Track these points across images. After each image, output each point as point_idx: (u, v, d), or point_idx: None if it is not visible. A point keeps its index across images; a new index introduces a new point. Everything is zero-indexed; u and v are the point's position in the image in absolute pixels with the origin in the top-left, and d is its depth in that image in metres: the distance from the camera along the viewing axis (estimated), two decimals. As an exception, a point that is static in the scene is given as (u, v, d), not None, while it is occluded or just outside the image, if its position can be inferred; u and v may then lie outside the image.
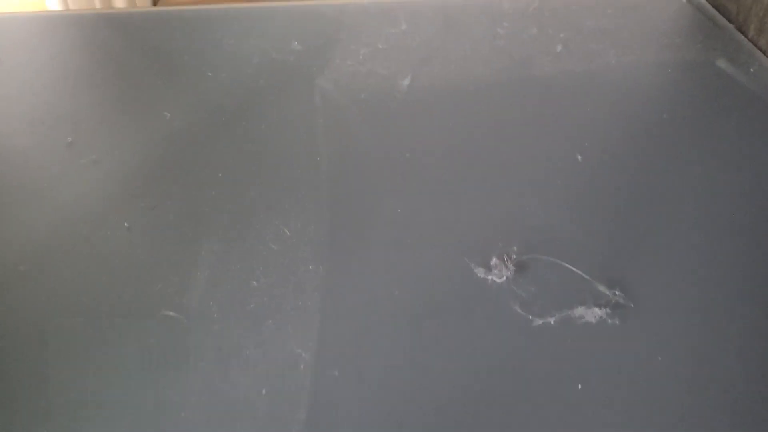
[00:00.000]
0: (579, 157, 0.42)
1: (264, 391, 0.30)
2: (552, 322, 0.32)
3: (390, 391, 0.30)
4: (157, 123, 0.45)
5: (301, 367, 0.31)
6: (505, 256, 0.35)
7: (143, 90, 0.49)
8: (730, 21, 0.58)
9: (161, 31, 0.55)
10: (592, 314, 0.33)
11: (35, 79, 0.50)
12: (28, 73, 0.51)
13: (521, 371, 0.30)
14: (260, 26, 0.56)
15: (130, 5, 0.69)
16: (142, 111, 0.46)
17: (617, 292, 0.34)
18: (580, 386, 0.30)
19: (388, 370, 0.30)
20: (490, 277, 0.34)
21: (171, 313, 0.33)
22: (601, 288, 0.34)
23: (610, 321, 0.32)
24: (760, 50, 0.54)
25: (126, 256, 0.36)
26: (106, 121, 0.45)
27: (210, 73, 0.50)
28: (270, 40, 0.54)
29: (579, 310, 0.33)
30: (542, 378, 0.30)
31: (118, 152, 0.43)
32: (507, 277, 0.34)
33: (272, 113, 0.46)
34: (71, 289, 0.34)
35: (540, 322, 0.32)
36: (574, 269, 0.35)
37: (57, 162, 0.42)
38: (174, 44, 0.54)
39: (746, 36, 0.56)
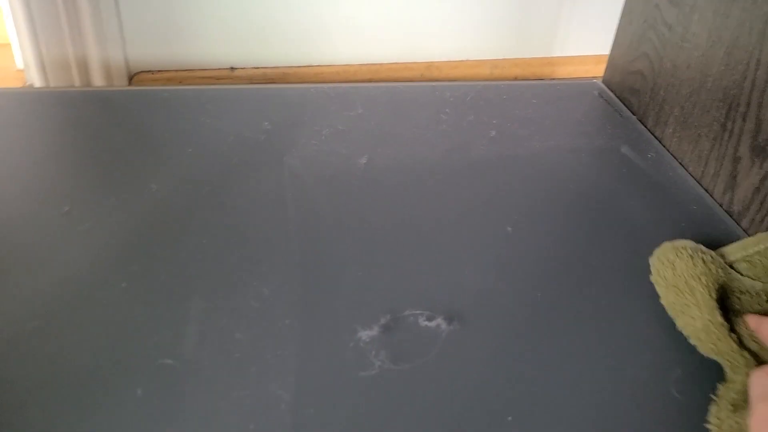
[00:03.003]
0: (509, 229, 0.50)
1: (251, 427, 0.35)
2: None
3: (355, 422, 0.36)
4: (145, 194, 0.51)
5: (282, 406, 0.36)
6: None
7: (129, 164, 0.55)
8: (633, 113, 0.69)
9: (142, 109, 0.62)
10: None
11: (27, 153, 0.55)
12: (20, 148, 0.56)
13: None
14: (233, 107, 0.63)
15: (108, 83, 0.75)
16: (130, 183, 0.52)
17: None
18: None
19: (354, 407, 0.37)
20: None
21: (168, 361, 0.38)
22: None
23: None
24: (657, 139, 0.64)
25: (125, 312, 0.41)
26: (98, 192, 0.51)
27: (190, 150, 0.56)
28: (242, 119, 0.61)
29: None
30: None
31: (112, 220, 0.48)
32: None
33: (247, 187, 0.53)
34: (77, 341, 0.39)
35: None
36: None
37: (56, 229, 0.47)
38: (155, 121, 0.60)
39: (646, 126, 0.66)
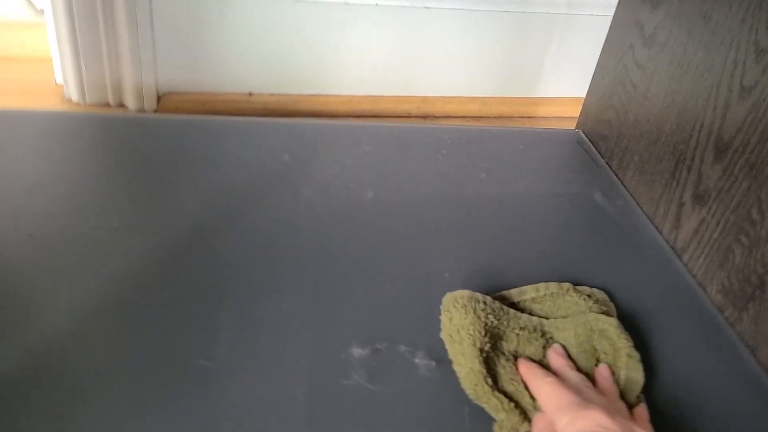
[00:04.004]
0: (496, 266, 0.59)
1: (273, 418, 0.44)
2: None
3: (360, 413, 0.45)
4: (182, 214, 0.59)
5: (299, 403, 0.45)
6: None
7: (166, 186, 0.63)
8: (601, 155, 0.78)
9: (174, 135, 0.70)
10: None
11: (78, 172, 0.63)
12: (69, 167, 0.64)
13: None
14: (255, 138, 0.71)
15: (138, 102, 0.83)
16: (167, 204, 0.60)
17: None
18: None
19: (361, 408, 0.45)
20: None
21: (204, 362, 0.47)
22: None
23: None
24: (622, 183, 0.74)
25: (167, 318, 0.50)
26: (141, 211, 0.59)
27: (219, 176, 0.65)
28: (264, 150, 0.69)
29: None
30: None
31: (153, 236, 0.56)
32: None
33: (269, 212, 0.61)
34: (128, 340, 0.48)
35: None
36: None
37: (107, 242, 0.55)
38: (186, 148, 0.68)
39: (612, 169, 0.76)
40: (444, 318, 0.51)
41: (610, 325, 0.50)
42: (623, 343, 0.49)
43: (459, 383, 0.47)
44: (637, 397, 0.48)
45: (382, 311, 0.53)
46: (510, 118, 0.99)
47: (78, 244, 0.55)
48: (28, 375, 0.44)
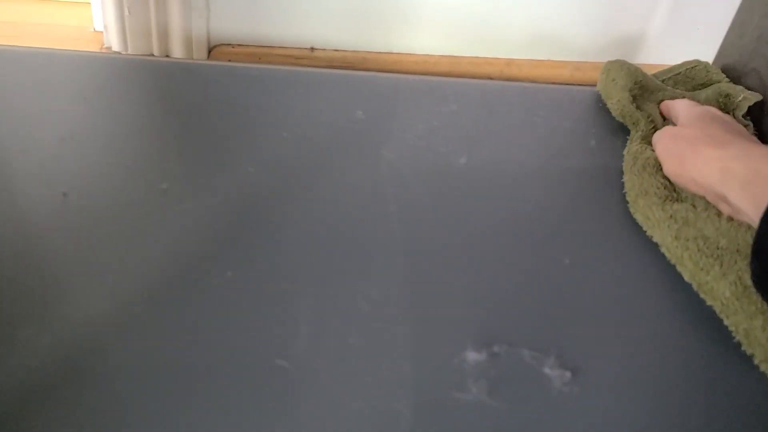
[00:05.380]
0: (622, 249, 0.48)
1: (371, 441, 0.34)
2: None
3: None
4: (243, 177, 0.49)
5: (402, 419, 0.35)
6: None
7: (224, 143, 0.53)
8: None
9: (231, 85, 0.60)
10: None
11: (118, 123, 0.53)
12: (110, 117, 0.54)
13: None
14: (322, 91, 0.61)
15: (187, 53, 0.73)
16: (227, 163, 0.51)
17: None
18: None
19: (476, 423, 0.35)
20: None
21: (282, 363, 0.37)
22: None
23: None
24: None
25: (232, 304, 0.40)
26: (196, 171, 0.49)
27: (285, 134, 0.54)
28: (334, 106, 0.59)
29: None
30: None
31: (211, 202, 0.47)
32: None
33: (346, 177, 0.51)
34: (184, 331, 0.38)
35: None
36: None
37: (155, 207, 0.46)
38: (245, 100, 0.58)
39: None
40: (602, 74, 0.65)
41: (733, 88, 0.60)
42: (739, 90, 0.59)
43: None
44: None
45: (495, 305, 0.42)
46: (605, 86, 0.87)
47: (121, 209, 0.45)
48: (59, 372, 0.35)
